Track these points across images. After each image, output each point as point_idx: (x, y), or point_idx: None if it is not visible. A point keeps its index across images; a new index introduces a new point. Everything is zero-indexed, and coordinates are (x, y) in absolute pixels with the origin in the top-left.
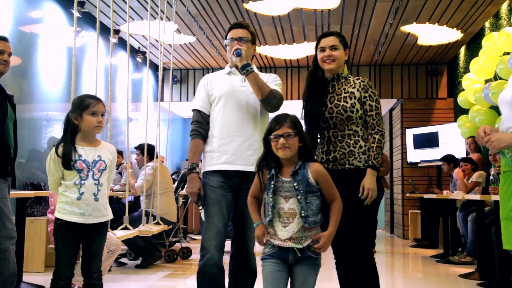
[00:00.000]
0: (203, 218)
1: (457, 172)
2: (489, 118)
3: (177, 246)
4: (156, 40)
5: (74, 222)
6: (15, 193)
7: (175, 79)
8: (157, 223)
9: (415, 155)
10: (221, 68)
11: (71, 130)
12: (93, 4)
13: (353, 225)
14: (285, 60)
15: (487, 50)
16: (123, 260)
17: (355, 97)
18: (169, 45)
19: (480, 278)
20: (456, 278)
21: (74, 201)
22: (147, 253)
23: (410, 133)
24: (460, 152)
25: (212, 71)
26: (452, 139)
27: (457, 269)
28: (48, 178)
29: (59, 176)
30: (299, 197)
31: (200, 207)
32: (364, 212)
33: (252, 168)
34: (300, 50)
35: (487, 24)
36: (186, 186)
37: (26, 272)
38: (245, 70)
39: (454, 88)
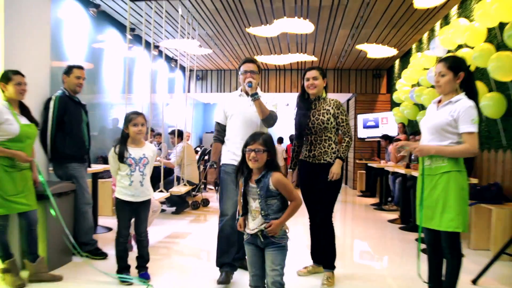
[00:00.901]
0: (219, 197)
1: (390, 148)
2: (413, 112)
3: (199, 197)
4: (185, 52)
5: (127, 201)
6: (90, 170)
7: (198, 77)
8: (185, 185)
9: (363, 133)
10: (229, 69)
11: (125, 137)
12: (140, 28)
13: (324, 199)
14: (275, 65)
15: (413, 65)
16: (164, 207)
17: (330, 113)
18: (194, 55)
19: (401, 222)
20: (385, 223)
21: (127, 186)
22: (179, 204)
23: (360, 117)
24: (393, 132)
25: (223, 72)
26: (389, 123)
27: (386, 215)
28: (110, 167)
29: (116, 167)
30: (259, 201)
31: (217, 191)
32: (330, 192)
33: None
34: (286, 58)
35: (414, 46)
36: (207, 176)
37: (100, 216)
38: (253, 97)
39: (391, 87)
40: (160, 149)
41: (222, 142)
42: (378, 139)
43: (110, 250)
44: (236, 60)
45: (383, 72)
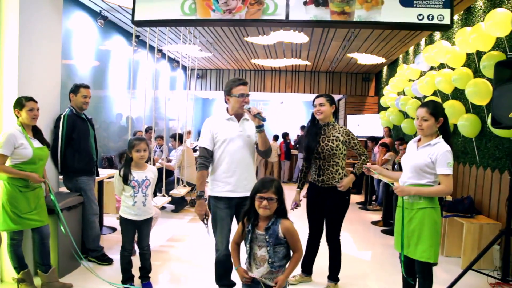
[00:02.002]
0: (208, 233)
1: (377, 151)
2: (398, 118)
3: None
4: (186, 54)
5: (131, 219)
6: (98, 178)
7: (198, 76)
8: (184, 186)
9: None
10: (227, 69)
11: (129, 160)
12: (145, 35)
13: (332, 218)
14: (271, 67)
15: (399, 75)
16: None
17: (339, 140)
18: (195, 57)
19: (383, 225)
20: (369, 225)
21: (130, 206)
22: (178, 203)
23: (350, 118)
24: (379, 133)
25: (222, 72)
26: (375, 125)
27: (371, 216)
28: (115, 188)
29: (121, 188)
30: (268, 248)
31: (206, 225)
32: (337, 212)
33: (247, 194)
34: (281, 62)
35: (401, 56)
36: (195, 207)
37: (105, 214)
38: (259, 129)
39: (379, 90)
40: (161, 151)
41: (208, 168)
42: (366, 139)
43: (115, 254)
44: (235, 62)
45: (372, 76)
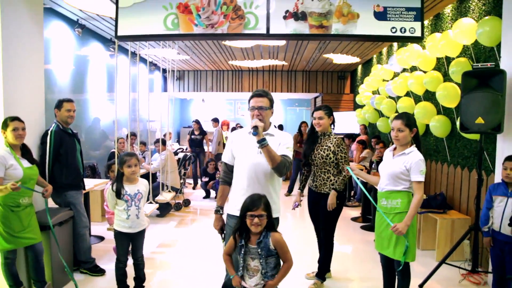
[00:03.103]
0: (223, 247)
1: (353, 147)
2: (373, 116)
3: (181, 197)
4: (163, 57)
5: (125, 232)
6: (85, 191)
7: (176, 78)
8: (169, 191)
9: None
10: (205, 70)
11: (120, 175)
12: (126, 42)
13: (323, 222)
14: (248, 67)
15: (373, 74)
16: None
17: (330, 150)
18: (173, 60)
19: (362, 221)
20: (349, 221)
21: (124, 219)
22: (163, 208)
23: None
24: (356, 130)
25: (199, 73)
26: (352, 122)
27: (350, 212)
28: (108, 203)
29: (114, 202)
30: (261, 260)
31: (222, 240)
32: (330, 216)
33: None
34: (258, 63)
35: (375, 56)
36: (213, 222)
37: (92, 223)
38: (260, 144)
39: (354, 88)
40: (144, 157)
41: (230, 184)
42: (342, 136)
43: (106, 264)
44: (212, 64)
45: (347, 74)
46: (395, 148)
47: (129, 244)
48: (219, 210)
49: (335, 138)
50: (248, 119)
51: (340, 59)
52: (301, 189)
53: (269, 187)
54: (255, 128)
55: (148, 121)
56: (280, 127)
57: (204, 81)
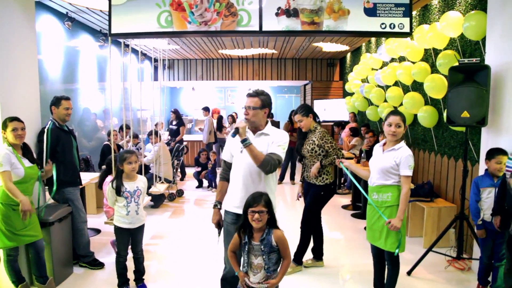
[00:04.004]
0: (217, 242)
1: (343, 135)
2: (363, 104)
3: (174, 187)
4: (153, 47)
5: (125, 228)
6: (81, 186)
7: (165, 67)
8: (162, 182)
9: (319, 117)
10: (194, 59)
11: (120, 172)
12: None
13: (306, 209)
14: (238, 56)
15: (362, 63)
16: None
17: (315, 144)
18: (163, 50)
19: (352, 209)
20: (339, 209)
21: (124, 215)
22: (157, 199)
23: (317, 102)
24: (345, 117)
25: (189, 61)
26: (341, 109)
27: (341, 199)
28: (108, 200)
29: (114, 199)
30: (264, 256)
31: (218, 235)
32: (312, 203)
33: None
34: (247, 51)
35: (363, 44)
36: (212, 216)
37: (88, 215)
38: (243, 143)
39: (344, 75)
40: (138, 149)
41: (228, 180)
42: (331, 123)
43: (104, 257)
44: (202, 53)
45: (336, 61)
46: (384, 144)
47: (129, 239)
48: (217, 205)
49: (319, 132)
50: (239, 107)
51: (330, 47)
52: (302, 180)
53: (264, 185)
54: (236, 129)
55: (140, 110)
56: (271, 116)
57: (194, 70)
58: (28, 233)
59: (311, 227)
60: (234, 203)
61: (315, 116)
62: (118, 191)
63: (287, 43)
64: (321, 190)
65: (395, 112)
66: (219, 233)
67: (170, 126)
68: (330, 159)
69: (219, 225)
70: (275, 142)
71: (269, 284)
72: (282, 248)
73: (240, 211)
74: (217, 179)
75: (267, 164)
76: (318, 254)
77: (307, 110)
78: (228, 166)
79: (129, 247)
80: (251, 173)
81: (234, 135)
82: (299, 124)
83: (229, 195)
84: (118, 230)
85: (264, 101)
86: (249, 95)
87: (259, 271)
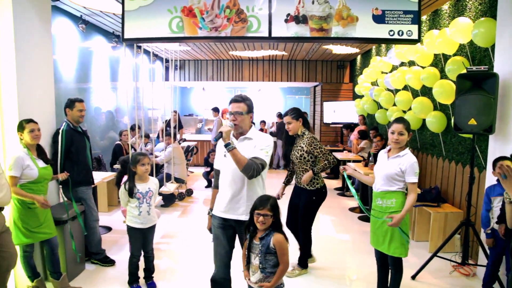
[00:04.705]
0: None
1: (352, 137)
2: (372, 107)
3: (183, 187)
4: (166, 49)
5: (137, 228)
6: (93, 185)
7: (176, 67)
8: (172, 182)
9: (328, 119)
10: (205, 60)
11: (132, 174)
12: None
13: (301, 215)
14: (248, 57)
15: (372, 66)
16: None
17: (303, 150)
18: (174, 51)
19: (360, 212)
20: (346, 211)
21: (136, 216)
22: (167, 198)
23: (326, 104)
24: (355, 119)
25: (200, 62)
26: (351, 111)
27: (348, 202)
28: (121, 200)
29: (127, 200)
30: (259, 256)
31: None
32: (307, 210)
33: (242, 217)
34: (258, 53)
35: (374, 47)
36: (207, 223)
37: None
38: (226, 147)
39: (354, 77)
40: (149, 151)
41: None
42: (341, 125)
43: (115, 254)
44: (212, 54)
45: (347, 63)
46: (389, 150)
47: (142, 238)
48: (209, 212)
49: (307, 137)
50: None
51: (340, 49)
52: (285, 183)
53: (247, 190)
54: (220, 133)
55: (151, 109)
56: (280, 116)
57: (204, 70)
58: (43, 230)
59: (309, 231)
60: (220, 207)
61: (305, 122)
62: (131, 192)
63: (297, 45)
64: (313, 195)
65: (398, 119)
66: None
67: (168, 129)
68: (322, 165)
69: (211, 230)
70: (257, 146)
71: (263, 287)
72: (279, 253)
73: (226, 215)
74: None
75: (249, 169)
76: (303, 263)
77: (298, 113)
78: (218, 174)
79: None
80: (234, 178)
81: (216, 139)
82: (287, 126)
83: (217, 200)
84: (131, 230)
85: (249, 106)
86: (236, 101)
87: (256, 271)
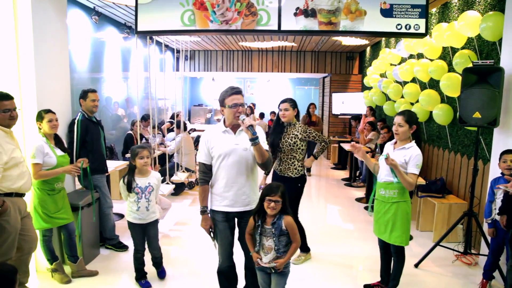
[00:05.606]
0: (215, 246)
1: (360, 129)
2: (380, 99)
3: (193, 176)
4: (177, 40)
5: (137, 223)
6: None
7: (186, 57)
8: (183, 171)
9: (337, 110)
10: (215, 50)
11: (132, 167)
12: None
13: (289, 202)
14: (258, 48)
15: (381, 58)
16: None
17: (297, 138)
18: (185, 41)
19: (366, 202)
20: (353, 201)
21: (135, 211)
22: (177, 187)
23: (335, 96)
24: (363, 111)
25: (210, 52)
26: (359, 103)
27: (355, 192)
28: (121, 193)
29: (126, 194)
30: (274, 238)
31: (212, 239)
32: (291, 197)
33: (247, 208)
34: (267, 44)
35: (383, 39)
36: (200, 222)
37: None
38: (253, 142)
39: (363, 69)
40: (161, 141)
41: (209, 183)
42: (349, 116)
43: (128, 240)
44: (222, 45)
45: (356, 55)
46: (395, 143)
47: (144, 233)
48: (205, 211)
49: (300, 126)
50: (258, 98)
51: (349, 41)
52: (267, 173)
53: (251, 181)
54: (252, 127)
55: (162, 99)
56: (261, 115)
57: (214, 61)
58: (61, 216)
59: (297, 217)
60: (223, 202)
61: (297, 113)
62: (129, 186)
63: (306, 37)
64: (297, 181)
65: (401, 112)
66: (213, 237)
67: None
68: (321, 148)
69: (211, 229)
70: (259, 138)
71: (278, 263)
72: (291, 233)
73: (231, 209)
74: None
75: (269, 162)
76: (304, 247)
77: (295, 103)
78: (208, 168)
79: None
80: (242, 172)
81: (255, 133)
82: (282, 113)
83: (217, 195)
84: (130, 225)
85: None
86: (238, 92)
87: (269, 252)
